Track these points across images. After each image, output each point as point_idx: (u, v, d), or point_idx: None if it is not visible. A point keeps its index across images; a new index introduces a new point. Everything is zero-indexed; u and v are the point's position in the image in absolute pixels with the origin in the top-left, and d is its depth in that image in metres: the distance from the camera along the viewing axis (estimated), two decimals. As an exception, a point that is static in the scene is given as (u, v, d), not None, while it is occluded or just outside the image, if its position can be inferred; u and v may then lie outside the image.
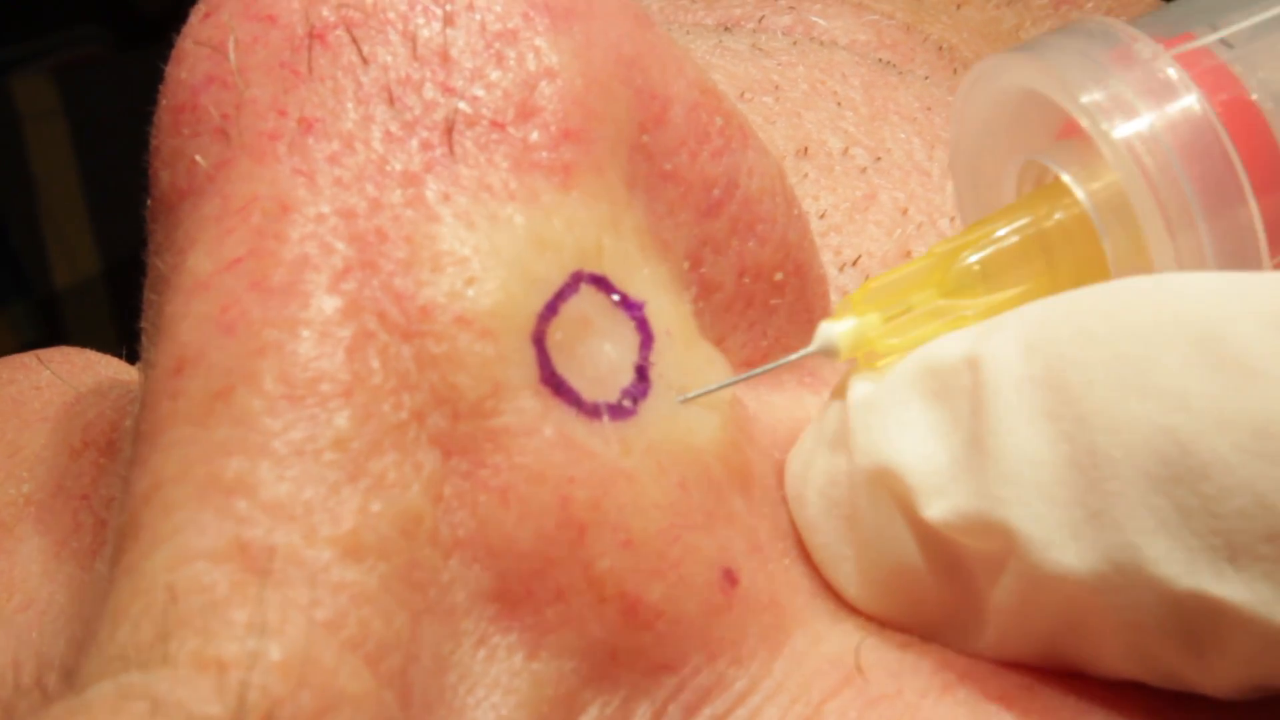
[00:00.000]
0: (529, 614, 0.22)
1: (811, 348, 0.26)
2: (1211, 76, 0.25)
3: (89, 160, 0.98)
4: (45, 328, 0.95)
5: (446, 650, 0.22)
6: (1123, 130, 0.25)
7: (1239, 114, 0.25)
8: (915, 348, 0.25)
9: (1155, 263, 0.25)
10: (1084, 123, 0.25)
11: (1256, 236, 0.25)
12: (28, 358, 0.33)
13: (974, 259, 0.26)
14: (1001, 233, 0.26)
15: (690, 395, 0.24)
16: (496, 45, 0.23)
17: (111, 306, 0.97)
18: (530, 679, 0.22)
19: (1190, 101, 0.25)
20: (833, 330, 0.25)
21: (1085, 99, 0.25)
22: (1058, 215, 0.26)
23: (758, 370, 0.26)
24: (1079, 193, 0.26)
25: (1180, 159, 0.25)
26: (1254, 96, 0.25)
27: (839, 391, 0.26)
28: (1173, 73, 0.25)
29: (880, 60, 0.38)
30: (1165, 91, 0.25)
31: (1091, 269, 0.26)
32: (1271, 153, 0.25)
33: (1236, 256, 0.25)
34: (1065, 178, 0.26)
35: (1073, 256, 0.26)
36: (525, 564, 0.22)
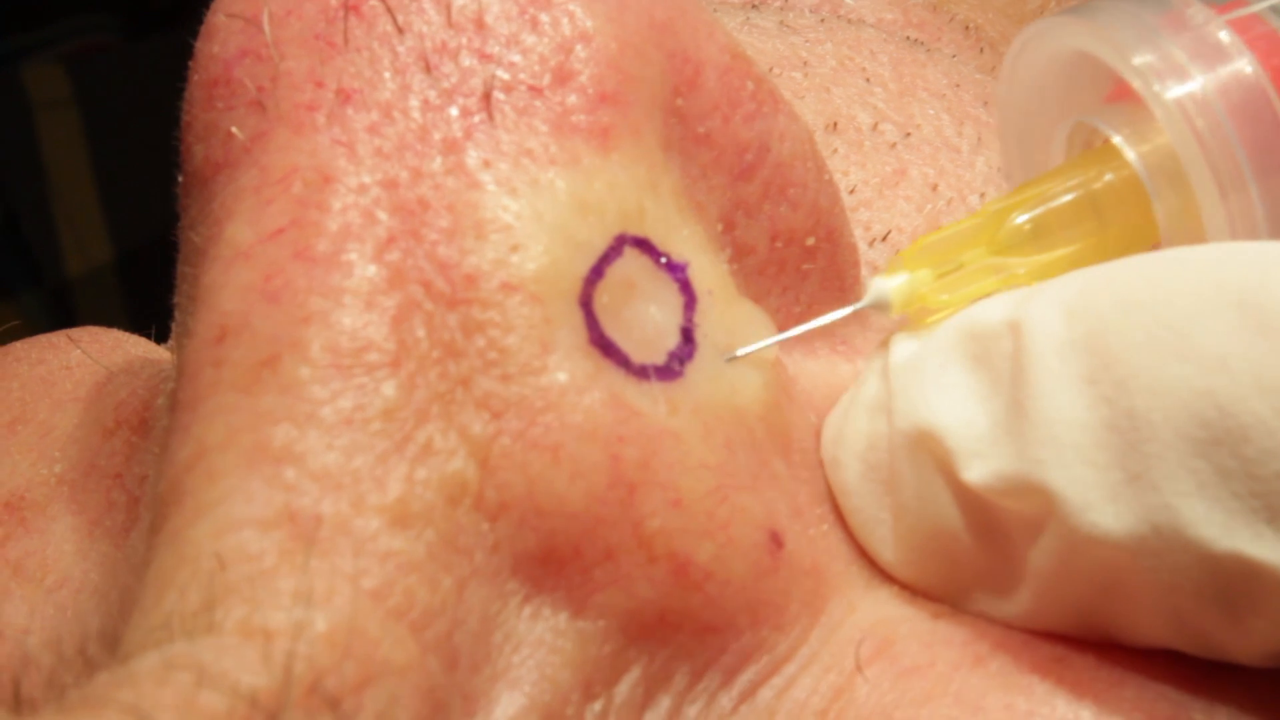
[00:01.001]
0: (576, 574, 0.22)
1: (865, 301, 0.26)
2: (1264, 42, 0.25)
3: (101, 149, 0.98)
4: (58, 316, 0.95)
5: (492, 611, 0.22)
6: (1175, 92, 0.25)
7: None
8: (966, 304, 0.25)
9: (1207, 225, 0.25)
10: (1135, 84, 0.25)
11: None
12: (57, 337, 0.33)
13: (1025, 218, 0.26)
14: (1053, 193, 0.26)
15: (738, 353, 0.24)
16: (531, 10, 0.24)
17: (123, 295, 0.97)
18: (576, 638, 0.22)
19: (1242, 65, 0.25)
20: (886, 285, 0.26)
21: (1137, 60, 0.25)
22: (1108, 177, 0.26)
23: (808, 325, 0.26)
24: (1130, 154, 0.26)
25: (1232, 121, 0.25)
26: None
27: (878, 356, 0.26)
28: (1225, 36, 0.25)
29: (907, 38, 0.38)
30: (1217, 55, 0.25)
31: (1143, 231, 0.26)
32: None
33: None
34: (1116, 139, 0.26)
35: (1124, 218, 0.26)
36: (575, 523, 0.22)
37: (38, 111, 0.98)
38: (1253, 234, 0.25)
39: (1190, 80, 0.25)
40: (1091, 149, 0.27)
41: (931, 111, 0.34)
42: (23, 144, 0.97)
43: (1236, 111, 0.25)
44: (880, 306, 0.26)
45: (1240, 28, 0.25)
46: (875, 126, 0.33)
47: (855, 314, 0.27)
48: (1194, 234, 0.25)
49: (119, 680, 0.19)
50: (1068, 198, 0.26)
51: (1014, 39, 0.28)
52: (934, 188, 0.32)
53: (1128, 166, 0.26)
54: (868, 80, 0.35)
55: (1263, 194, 0.25)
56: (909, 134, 0.34)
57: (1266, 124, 0.25)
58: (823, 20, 0.37)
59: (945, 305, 0.26)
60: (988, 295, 0.26)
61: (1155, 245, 0.26)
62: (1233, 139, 0.25)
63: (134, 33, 0.99)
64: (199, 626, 0.19)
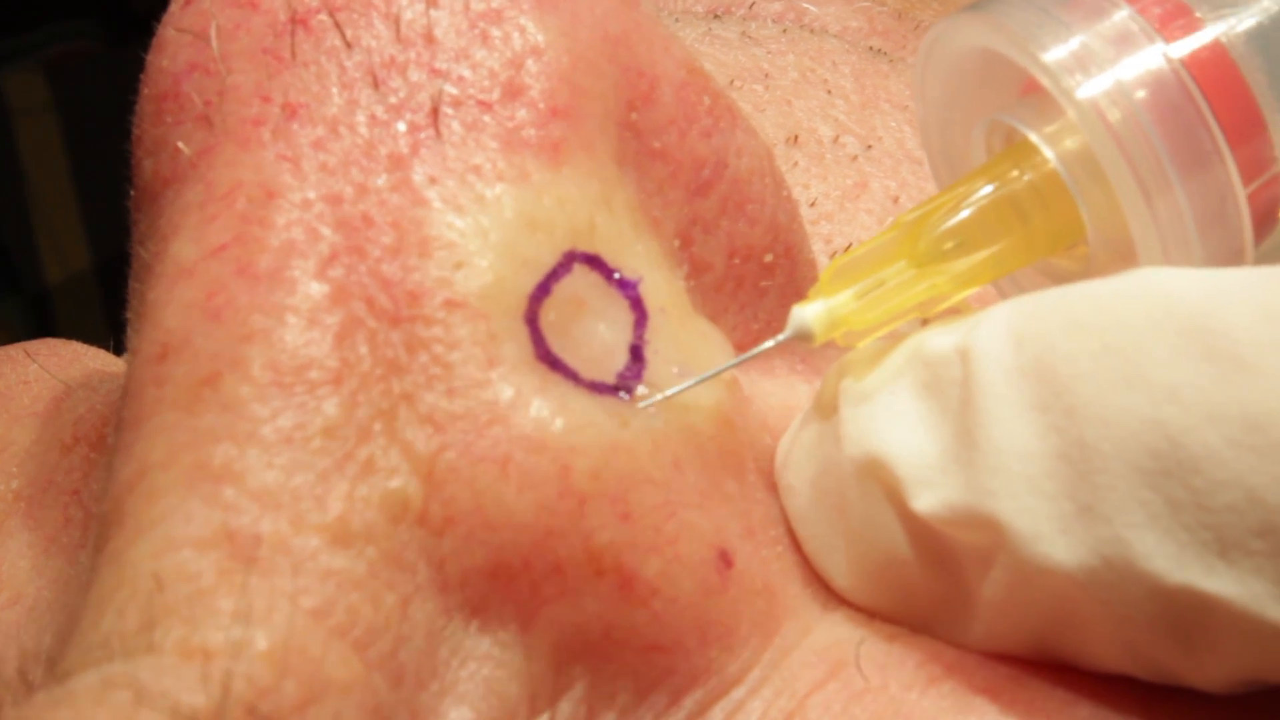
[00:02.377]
0: (525, 587, 0.22)
1: (784, 334, 0.25)
2: (1173, 21, 0.24)
3: (80, 155, 0.98)
4: (36, 323, 0.95)
5: (438, 626, 0.21)
6: (1087, 89, 0.24)
7: (1207, 60, 0.24)
8: (893, 322, 0.25)
9: (1133, 228, 0.24)
10: (1045, 82, 0.24)
11: (1236, 194, 0.24)
12: (14, 351, 0.33)
13: (944, 226, 0.25)
14: (971, 198, 0.25)
15: (655, 398, 0.23)
16: (481, 25, 0.23)
17: (103, 302, 0.96)
18: (523, 652, 0.22)
19: (1155, 53, 0.24)
20: (804, 314, 0.25)
21: (1045, 56, 0.24)
22: (1028, 177, 0.25)
23: (730, 363, 0.25)
24: (1049, 154, 0.25)
25: (1150, 115, 0.23)
26: (1221, 40, 0.24)
27: (830, 380, 0.26)
28: (1133, 23, 0.24)
29: (871, 48, 0.38)
30: (1127, 42, 0.24)
31: (1068, 227, 0.25)
32: (1243, 99, 0.24)
33: (1216, 216, 0.24)
34: (1033, 138, 0.25)
35: (1047, 216, 0.25)
36: (524, 535, 0.22)
37: (16, 118, 0.97)
38: (1182, 235, 0.24)
39: (1102, 73, 0.24)
40: (1010, 147, 0.26)
41: (894, 124, 0.34)
42: (1, 150, 0.97)
43: (1153, 105, 0.23)
44: (803, 336, 0.25)
45: (1146, 7, 0.24)
46: (837, 139, 0.33)
47: None
48: (1124, 229, 0.24)
49: (56, 700, 0.19)
50: (987, 201, 0.25)
51: (925, 37, 0.27)
52: (895, 200, 0.32)
53: (1048, 164, 0.25)
54: (829, 92, 0.35)
55: (1189, 193, 0.23)
56: (870, 146, 0.33)
57: (1186, 116, 0.24)
58: (785, 31, 0.37)
59: (874, 324, 0.25)
60: (916, 307, 0.25)
61: (1084, 240, 0.26)
62: (1153, 136, 0.23)
63: (114, 39, 0.99)
64: (138, 646, 0.19)
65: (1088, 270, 0.26)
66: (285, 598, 0.20)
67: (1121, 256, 0.25)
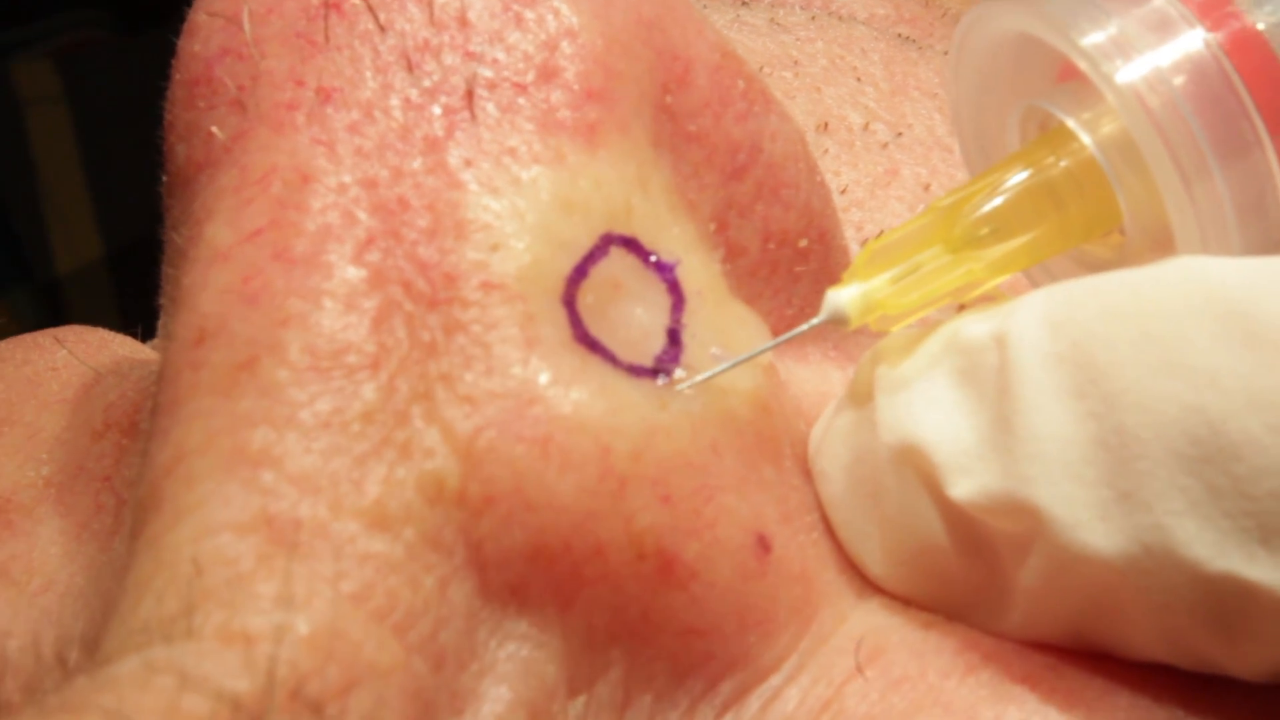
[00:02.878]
0: (565, 569, 0.22)
1: (819, 318, 0.25)
2: (1212, 7, 0.24)
3: (90, 145, 0.98)
4: (47, 313, 0.95)
5: (476, 607, 0.21)
6: (1127, 74, 0.23)
7: (1246, 47, 0.24)
8: (928, 307, 0.25)
9: (1172, 215, 0.24)
10: (1084, 66, 0.24)
11: (1275, 182, 0.24)
12: (42, 337, 0.33)
13: (980, 212, 0.25)
14: (1006, 184, 0.25)
15: (695, 379, 0.23)
16: (515, 7, 0.23)
17: (114, 291, 0.97)
18: (561, 634, 0.22)
19: (1195, 38, 0.24)
20: (839, 297, 0.25)
21: (1084, 41, 0.24)
22: (1064, 163, 0.25)
23: (766, 346, 0.25)
24: (1086, 139, 0.25)
25: (1190, 104, 0.23)
26: (1259, 26, 0.24)
27: (865, 367, 0.26)
28: (1171, 8, 0.24)
29: (899, 35, 0.38)
30: (1166, 27, 0.24)
31: (1105, 213, 0.25)
32: (1282, 84, 0.24)
33: (1255, 204, 0.24)
34: (1071, 123, 0.25)
35: (1083, 203, 0.25)
36: (565, 517, 0.21)
37: (27, 108, 0.97)
38: (1221, 223, 0.24)
39: (1141, 57, 0.23)
40: (1046, 133, 0.26)
41: (923, 111, 0.34)
42: (12, 140, 0.97)
43: (1193, 91, 0.23)
44: (837, 320, 0.25)
45: (1190, 0, 0.24)
46: (867, 126, 0.33)
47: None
48: (1161, 217, 0.24)
49: (99, 684, 0.18)
50: (1023, 187, 0.25)
51: (960, 22, 0.27)
52: (926, 187, 0.32)
53: (1085, 150, 0.25)
54: (859, 79, 0.35)
55: (1228, 181, 0.23)
56: (900, 134, 0.33)
57: (1225, 102, 0.23)
58: (814, 18, 0.37)
59: (908, 309, 0.25)
60: (950, 293, 0.25)
61: (1119, 227, 0.26)
62: (1192, 122, 0.23)
63: (124, 29, 0.99)
64: (177, 631, 0.19)
65: (1123, 258, 0.26)
66: (325, 582, 0.20)
67: (1158, 244, 0.25)
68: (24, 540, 0.28)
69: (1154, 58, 0.24)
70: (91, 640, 0.21)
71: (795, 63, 0.35)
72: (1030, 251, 0.25)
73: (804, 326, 0.25)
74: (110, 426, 0.29)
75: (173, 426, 0.21)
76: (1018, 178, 0.25)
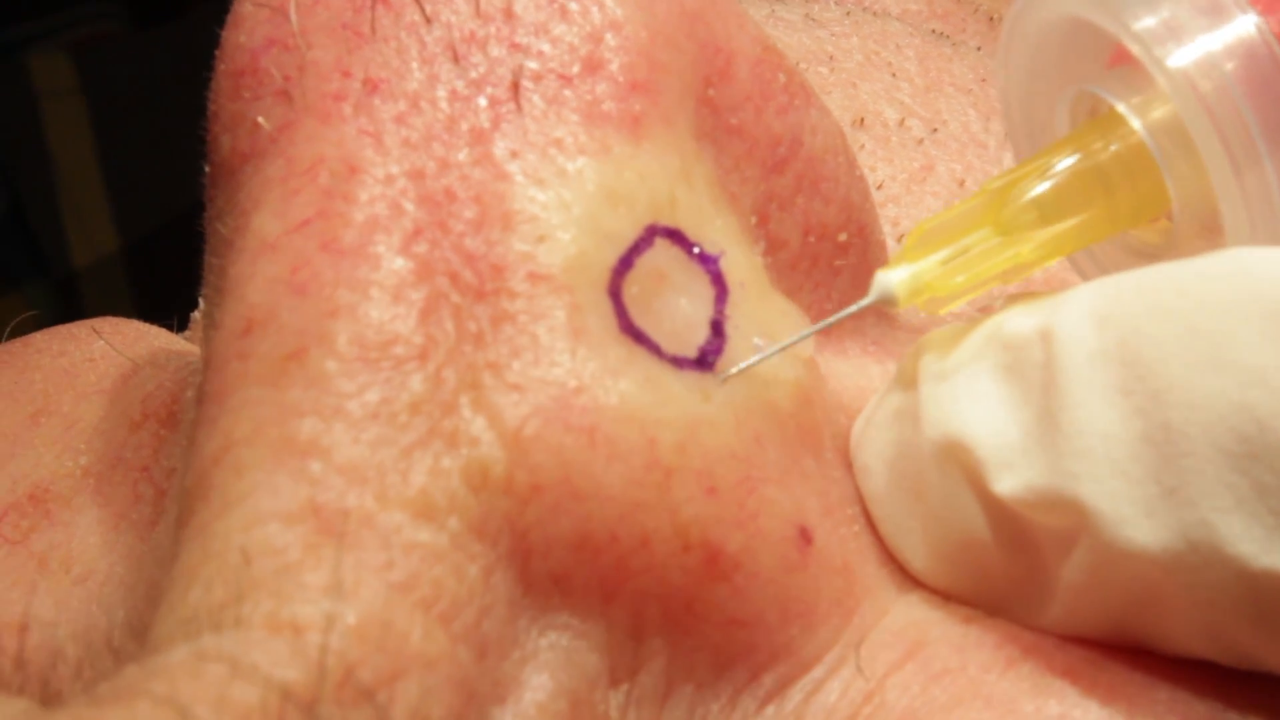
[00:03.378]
0: (611, 560, 0.22)
1: (869, 299, 0.25)
2: None
3: (107, 138, 0.98)
4: (64, 307, 0.95)
5: (518, 594, 0.21)
6: (1178, 58, 0.23)
7: None
8: (977, 289, 0.25)
9: (1221, 201, 0.24)
10: (1135, 50, 0.24)
11: None
12: (78, 329, 0.33)
13: (1029, 195, 0.25)
14: (1057, 167, 0.25)
15: (738, 367, 0.23)
16: (560, 0, 0.23)
17: (130, 284, 0.97)
18: (604, 624, 0.22)
19: (1246, 23, 0.24)
20: (889, 278, 0.25)
21: (1136, 25, 0.24)
22: (1114, 147, 0.25)
23: (812, 329, 0.25)
24: (1136, 124, 0.25)
25: (1241, 89, 0.23)
26: None
27: (908, 361, 0.26)
28: None
29: (933, 31, 0.38)
30: (1218, 12, 0.24)
31: (1154, 198, 0.25)
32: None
33: None
34: (1121, 108, 0.25)
35: (1132, 188, 0.25)
36: (611, 507, 0.21)
37: (43, 101, 0.98)
38: (1270, 209, 0.24)
39: (1193, 42, 0.23)
40: (1096, 118, 0.26)
41: (958, 107, 0.34)
42: (28, 134, 0.97)
43: (1245, 77, 0.23)
44: (886, 301, 0.25)
45: None
46: (902, 122, 0.33)
47: (885, 314, 0.27)
48: (1211, 203, 0.24)
49: (150, 672, 0.19)
50: (1072, 171, 0.25)
51: (1010, 6, 0.27)
52: (961, 183, 0.32)
53: (1134, 135, 0.25)
54: (894, 75, 0.35)
55: (1279, 167, 0.23)
56: (936, 130, 0.33)
57: (1278, 89, 0.23)
58: (848, 14, 0.37)
59: (957, 291, 0.25)
60: (999, 275, 0.25)
61: (1167, 213, 0.26)
62: (1243, 108, 0.23)
63: (140, 22, 0.99)
64: (225, 620, 0.19)
65: (1172, 244, 0.26)
66: (372, 572, 0.20)
67: (1207, 230, 0.25)
68: (62, 530, 0.28)
69: (1205, 42, 0.24)
70: (139, 628, 0.21)
71: (830, 58, 0.35)
72: (1079, 235, 0.25)
73: (853, 307, 0.25)
74: (148, 417, 0.29)
75: (220, 415, 0.21)
76: (1067, 162, 0.25)
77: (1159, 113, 0.25)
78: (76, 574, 0.27)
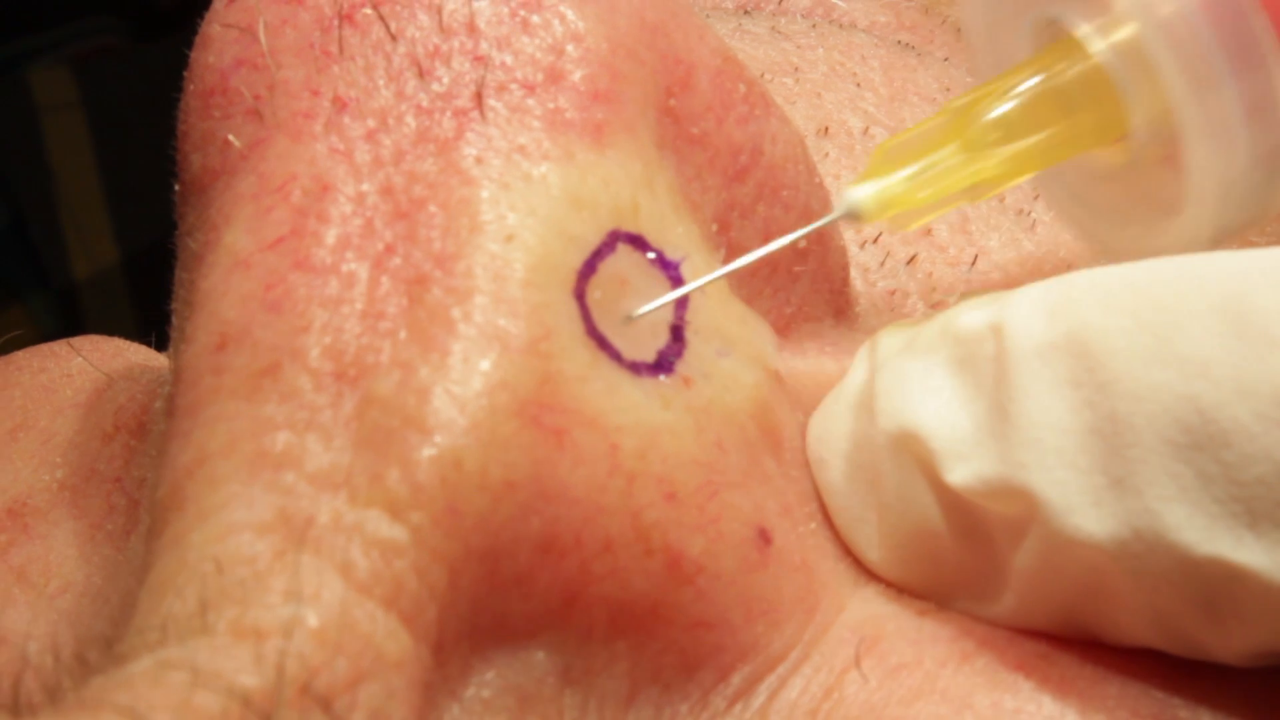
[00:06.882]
0: (574, 564, 0.22)
1: (836, 213, 0.25)
2: None
3: (107, 152, 0.98)
4: (65, 319, 0.95)
5: (482, 593, 0.22)
6: None
7: None
8: (943, 206, 0.25)
9: (1182, 126, 0.24)
10: None
11: None
12: (58, 346, 0.34)
13: (992, 114, 0.25)
14: (1018, 88, 0.25)
15: (637, 313, 0.24)
16: (522, 13, 0.24)
17: (131, 297, 0.97)
18: (570, 628, 0.22)
19: None
20: (856, 194, 0.25)
21: None
22: (1075, 69, 0.25)
23: (763, 250, 0.25)
24: (1097, 46, 0.25)
25: (1201, 11, 0.23)
26: None
27: (862, 357, 0.26)
28: None
29: (899, 42, 0.38)
30: None
31: (1114, 121, 0.25)
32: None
33: (1264, 113, 0.24)
34: (1082, 31, 0.25)
35: (1093, 110, 0.25)
36: (576, 510, 0.22)
37: (44, 114, 0.98)
38: (1229, 130, 0.24)
39: None
40: (1059, 41, 0.26)
41: (922, 115, 0.34)
42: (29, 147, 0.97)
43: (1206, 1, 0.23)
44: (853, 215, 0.25)
45: None
46: (866, 131, 0.34)
47: (843, 317, 0.27)
48: (1171, 125, 0.24)
49: (115, 682, 0.19)
50: (1034, 92, 0.25)
51: None
52: None
53: (1096, 58, 0.25)
54: (859, 85, 0.35)
55: (1238, 88, 0.23)
56: None
57: (1238, 11, 0.23)
58: (814, 26, 0.37)
59: (922, 206, 0.25)
60: (963, 192, 0.25)
61: (1128, 134, 0.26)
62: (1202, 30, 0.23)
63: (140, 36, 0.99)
64: (193, 629, 0.20)
65: (1134, 164, 0.27)
66: (335, 573, 0.20)
67: (1166, 152, 0.26)
68: (40, 543, 0.28)
69: None
70: (111, 640, 0.21)
71: (796, 69, 0.35)
72: (1042, 153, 0.25)
73: (820, 222, 0.26)
74: (120, 429, 0.30)
75: (194, 428, 0.22)
76: (1030, 83, 0.26)
77: (1119, 36, 0.25)
78: (54, 587, 0.27)
